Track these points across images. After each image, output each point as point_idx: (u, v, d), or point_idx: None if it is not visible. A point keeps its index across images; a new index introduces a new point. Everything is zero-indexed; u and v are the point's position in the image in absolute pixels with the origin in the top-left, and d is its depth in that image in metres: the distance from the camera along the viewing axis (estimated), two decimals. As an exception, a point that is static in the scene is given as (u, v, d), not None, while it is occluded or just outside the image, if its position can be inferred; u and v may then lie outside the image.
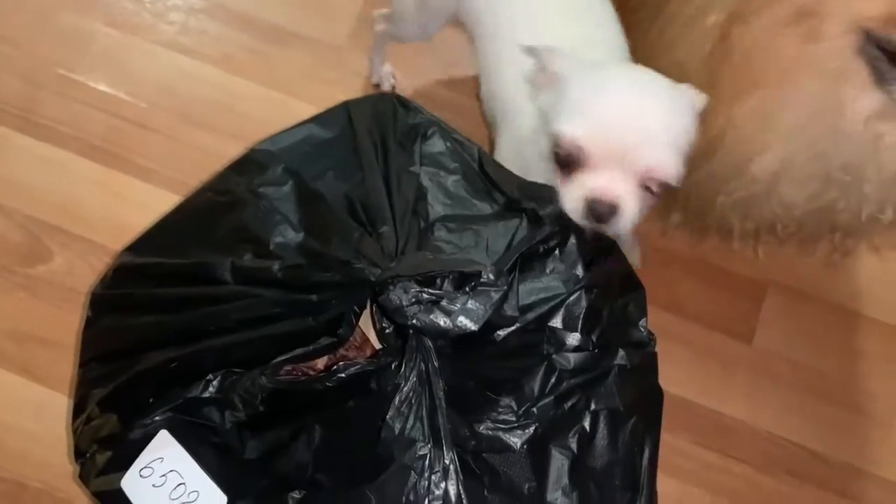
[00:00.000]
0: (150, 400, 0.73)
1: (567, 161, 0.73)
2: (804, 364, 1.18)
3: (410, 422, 0.61)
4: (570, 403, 0.68)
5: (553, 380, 0.69)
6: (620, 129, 0.70)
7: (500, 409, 0.65)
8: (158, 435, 0.73)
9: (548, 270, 0.72)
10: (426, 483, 0.60)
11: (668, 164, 0.70)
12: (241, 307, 0.69)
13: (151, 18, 1.29)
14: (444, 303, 0.60)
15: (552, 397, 0.66)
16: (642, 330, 0.73)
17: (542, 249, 0.72)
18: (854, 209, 0.87)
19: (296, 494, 0.63)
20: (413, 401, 0.62)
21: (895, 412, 1.17)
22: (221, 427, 0.70)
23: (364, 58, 1.29)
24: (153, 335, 0.75)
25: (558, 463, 0.66)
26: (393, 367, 0.62)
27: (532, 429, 0.64)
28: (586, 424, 0.69)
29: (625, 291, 0.73)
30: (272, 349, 0.66)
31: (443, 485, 0.60)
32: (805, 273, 1.21)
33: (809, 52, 0.78)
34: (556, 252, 0.73)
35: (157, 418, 0.72)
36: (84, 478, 0.76)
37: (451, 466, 0.60)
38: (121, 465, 0.73)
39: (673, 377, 1.09)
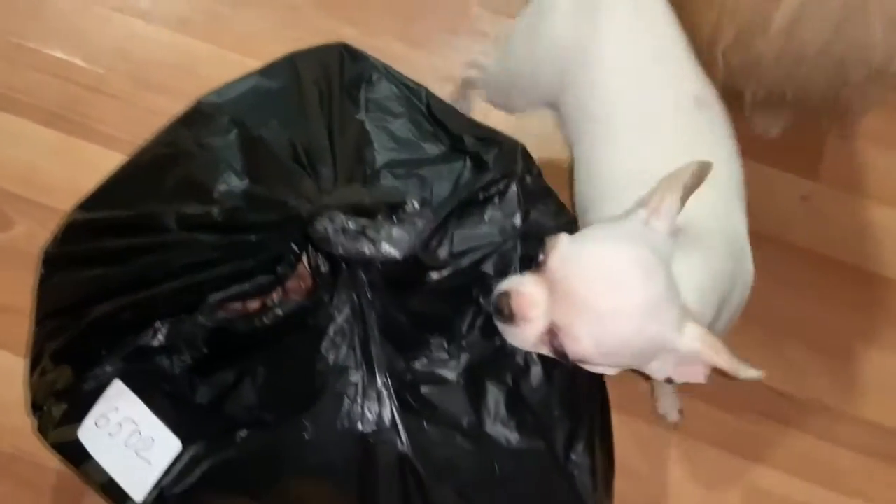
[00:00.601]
0: (102, 351, 0.73)
1: (540, 257, 0.68)
2: (767, 305, 1.18)
3: (343, 351, 0.62)
4: (500, 342, 0.69)
5: (480, 321, 0.70)
6: (578, 283, 0.63)
7: (433, 348, 0.67)
8: (112, 385, 0.73)
9: (486, 219, 0.73)
10: (359, 409, 0.61)
11: (585, 350, 0.63)
12: (184, 253, 0.69)
13: (105, -18, 1.28)
14: (369, 232, 0.61)
15: (479, 332, 0.67)
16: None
17: (482, 197, 0.72)
18: (863, 61, 0.86)
19: (242, 433, 0.64)
20: (346, 331, 0.63)
21: (856, 350, 1.19)
22: (172, 373, 0.71)
23: (323, 16, 1.28)
24: (102, 286, 0.75)
25: (495, 397, 0.68)
26: (326, 300, 0.63)
27: (465, 360, 0.65)
28: (519, 359, 0.70)
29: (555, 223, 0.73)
30: (215, 292, 0.67)
31: (375, 409, 0.61)
32: (769, 217, 1.22)
33: None
34: (496, 200, 0.74)
35: (108, 368, 0.73)
36: (42, 431, 0.77)
37: (384, 391, 0.61)
38: (76, 417, 0.74)
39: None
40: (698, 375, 0.66)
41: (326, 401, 0.62)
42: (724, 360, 0.63)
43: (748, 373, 0.64)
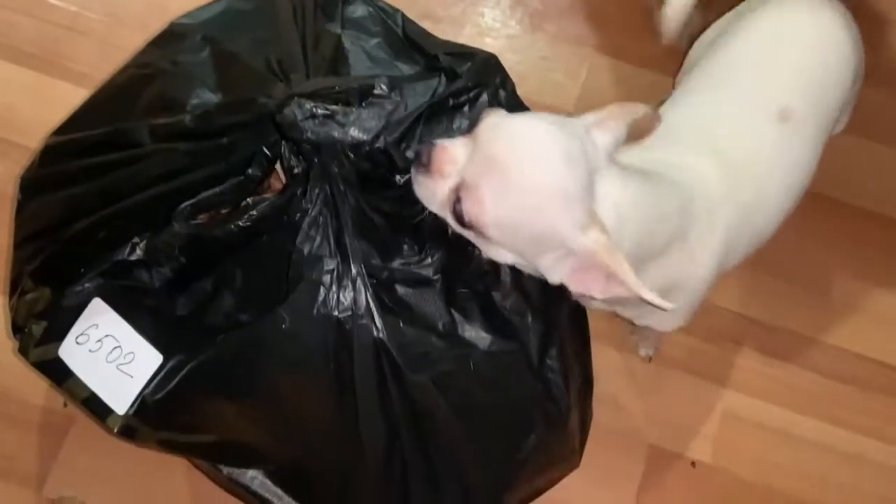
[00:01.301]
0: (81, 269, 0.73)
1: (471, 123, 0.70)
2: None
3: (318, 241, 0.63)
4: (472, 249, 0.69)
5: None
6: (493, 155, 0.62)
7: (406, 251, 0.68)
8: (92, 303, 0.74)
9: (454, 126, 0.73)
10: (335, 296, 0.62)
11: (484, 219, 0.62)
12: (156, 163, 0.69)
13: (76, -81, 1.26)
14: (338, 116, 0.61)
15: (451, 238, 0.67)
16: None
17: (451, 103, 0.73)
18: None
19: (220, 337, 0.65)
20: (320, 222, 0.63)
21: (832, 281, 1.20)
22: (152, 287, 0.71)
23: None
24: (78, 205, 0.75)
25: (468, 301, 0.68)
26: (299, 193, 0.63)
27: (438, 264, 0.66)
28: (490, 266, 0.70)
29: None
30: (189, 199, 0.67)
31: (350, 295, 0.62)
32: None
33: None
34: (466, 109, 0.74)
35: (88, 285, 0.73)
36: (23, 351, 0.77)
37: (359, 280, 0.62)
38: (57, 335, 0.74)
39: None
40: (593, 286, 0.63)
41: (303, 290, 0.63)
42: (624, 272, 0.60)
43: (649, 295, 0.61)
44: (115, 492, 1.03)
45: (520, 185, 0.61)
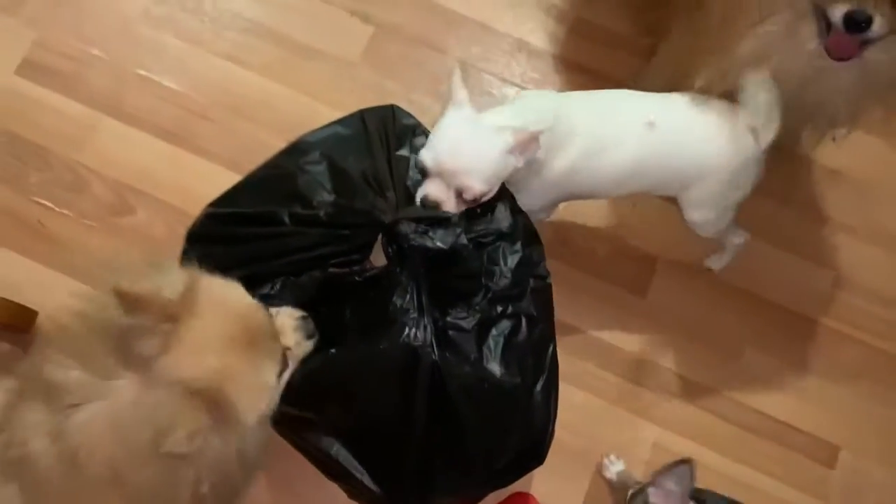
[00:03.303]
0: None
1: (422, 172, 1.16)
2: (676, 312, 1.60)
3: (406, 300, 1.06)
4: (501, 308, 1.12)
5: (490, 295, 1.13)
6: (445, 161, 1.12)
7: (459, 308, 1.10)
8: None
9: (483, 226, 1.15)
10: (414, 332, 1.05)
11: (471, 187, 1.12)
12: (297, 239, 1.11)
13: (211, 34, 1.69)
14: (429, 233, 1.06)
15: (487, 302, 1.10)
16: (543, 269, 1.17)
17: (479, 211, 1.16)
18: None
19: (333, 350, 1.07)
20: (408, 288, 1.06)
21: (741, 350, 1.57)
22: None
23: (372, 72, 1.68)
24: (235, 257, 1.15)
25: (495, 344, 1.10)
26: (398, 271, 1.08)
27: (477, 318, 1.09)
28: (513, 322, 1.12)
29: (530, 242, 1.17)
30: (317, 265, 1.09)
31: (422, 334, 1.05)
32: (687, 251, 1.64)
33: None
34: (489, 214, 1.17)
35: (237, 308, 1.13)
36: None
37: (429, 326, 1.06)
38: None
39: (584, 318, 1.53)
40: (533, 150, 1.15)
41: (397, 327, 1.06)
42: (530, 135, 1.13)
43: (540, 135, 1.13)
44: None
45: (470, 164, 1.12)
